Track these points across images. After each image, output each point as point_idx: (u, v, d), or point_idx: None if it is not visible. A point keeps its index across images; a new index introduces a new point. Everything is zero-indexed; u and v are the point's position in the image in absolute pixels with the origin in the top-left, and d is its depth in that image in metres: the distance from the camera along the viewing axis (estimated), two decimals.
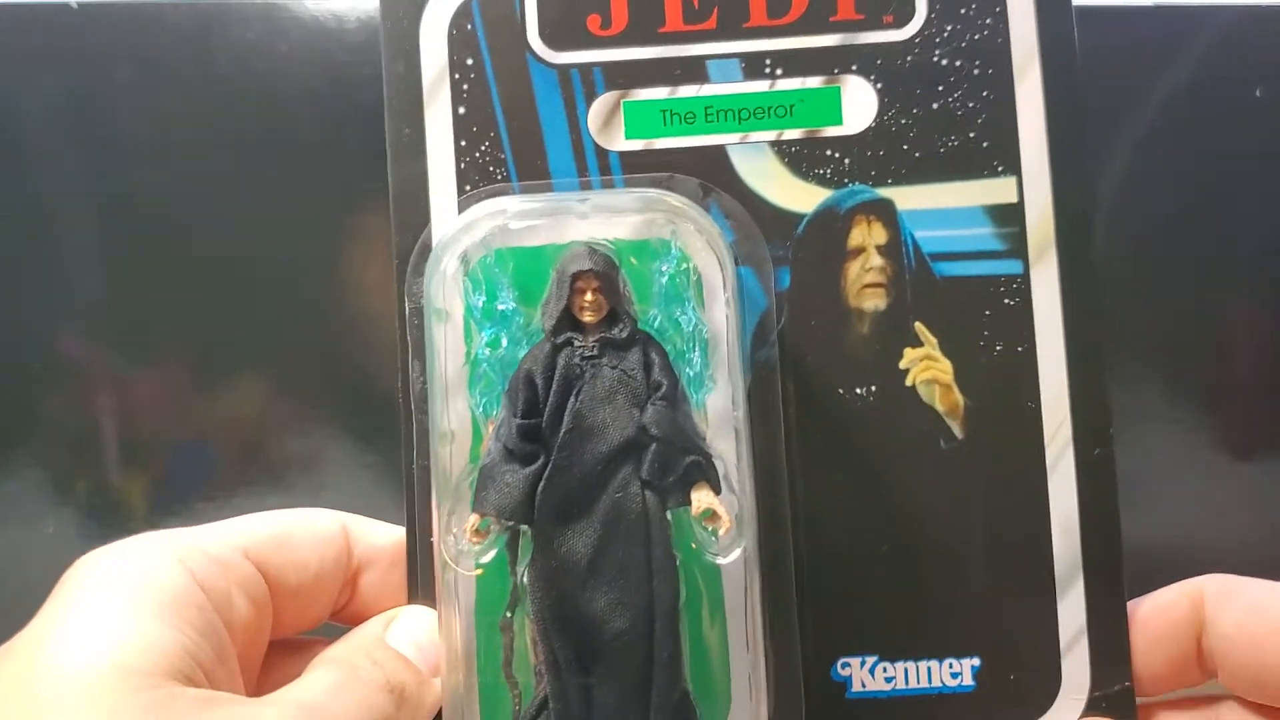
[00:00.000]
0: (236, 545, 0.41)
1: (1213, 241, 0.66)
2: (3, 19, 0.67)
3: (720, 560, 0.40)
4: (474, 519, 0.39)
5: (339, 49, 0.65)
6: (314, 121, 0.66)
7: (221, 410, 0.67)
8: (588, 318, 0.40)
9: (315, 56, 0.66)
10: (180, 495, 0.68)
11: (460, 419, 0.43)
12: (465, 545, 0.40)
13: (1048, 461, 0.45)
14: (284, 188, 0.67)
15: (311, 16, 0.66)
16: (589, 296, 0.40)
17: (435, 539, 0.41)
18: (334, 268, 0.67)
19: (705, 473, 0.39)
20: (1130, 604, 0.45)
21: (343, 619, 0.45)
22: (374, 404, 0.67)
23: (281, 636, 0.43)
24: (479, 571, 0.41)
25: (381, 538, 0.45)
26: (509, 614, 0.41)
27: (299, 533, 0.43)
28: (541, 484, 0.39)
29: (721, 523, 0.39)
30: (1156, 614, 0.44)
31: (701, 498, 0.39)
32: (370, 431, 0.67)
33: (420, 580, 0.44)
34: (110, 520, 0.68)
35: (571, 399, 0.39)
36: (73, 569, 0.39)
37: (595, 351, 0.40)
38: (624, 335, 0.40)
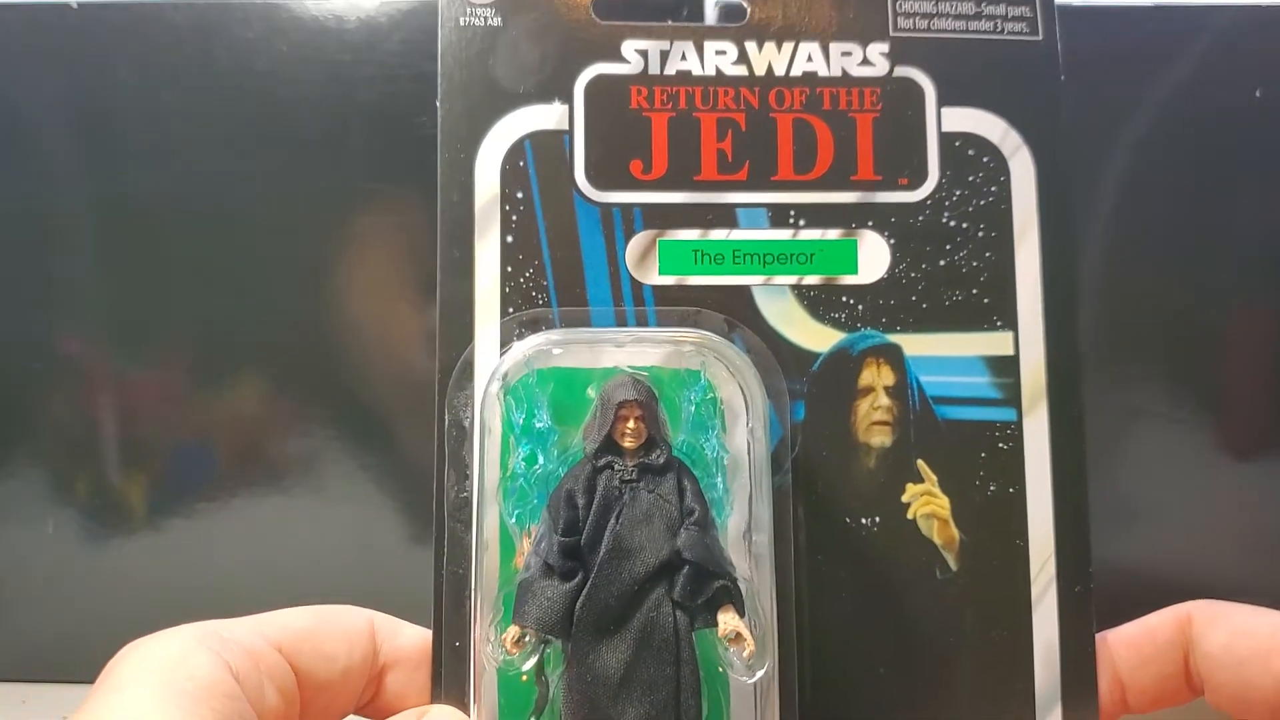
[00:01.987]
0: (269, 638, 0.43)
1: (1213, 241, 0.66)
2: (3, 19, 0.67)
3: (745, 680, 0.43)
4: (514, 630, 0.42)
5: (339, 49, 0.66)
6: (314, 121, 0.67)
7: (221, 411, 0.67)
8: (628, 443, 0.43)
9: (315, 56, 0.66)
10: (180, 495, 0.68)
11: (492, 530, 0.46)
12: (502, 654, 0.42)
13: (1033, 595, 0.48)
14: (284, 188, 0.67)
15: (311, 16, 0.66)
16: (631, 424, 0.43)
17: (475, 642, 0.44)
18: (334, 267, 0.67)
19: (732, 596, 0.42)
20: (1121, 628, 0.48)
21: (366, 714, 0.46)
22: (374, 405, 0.67)
23: None
24: (524, 679, 0.43)
25: (408, 639, 0.47)
26: (533, 719, 0.44)
27: (328, 629, 0.45)
28: (580, 600, 0.41)
29: (746, 645, 0.42)
30: (1146, 636, 0.48)
31: (728, 620, 0.42)
32: (370, 432, 0.67)
33: (445, 681, 0.46)
34: (110, 520, 0.68)
35: (611, 520, 0.42)
36: (114, 661, 0.41)
37: (634, 476, 0.43)
38: (661, 461, 0.43)
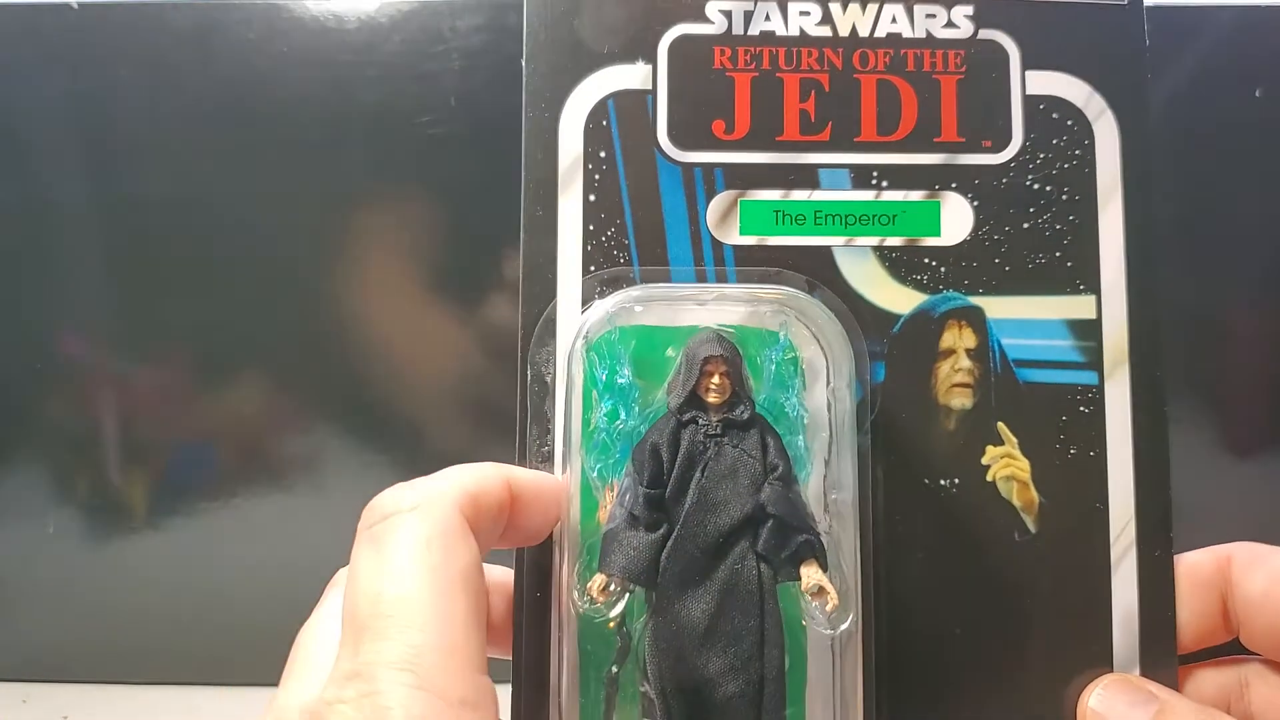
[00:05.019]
0: None
1: (1213, 241, 0.66)
2: (3, 19, 0.68)
3: (829, 633, 0.43)
4: (601, 579, 0.42)
5: (339, 49, 0.66)
6: (314, 122, 0.67)
7: (222, 410, 0.68)
8: (712, 399, 0.44)
9: (315, 57, 0.66)
10: (180, 495, 0.68)
11: (575, 483, 0.46)
12: (588, 602, 0.43)
13: (1112, 559, 0.48)
14: (284, 188, 0.67)
15: (312, 17, 0.66)
16: (715, 380, 0.44)
17: (563, 591, 0.44)
18: (335, 267, 0.68)
19: (815, 550, 0.42)
20: None
21: None
22: (375, 403, 0.68)
23: None
24: (611, 625, 0.43)
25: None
26: (614, 668, 0.44)
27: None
28: (665, 551, 0.42)
29: (829, 598, 0.42)
30: (1185, 574, 0.48)
31: (811, 574, 0.42)
32: (370, 430, 0.68)
33: (526, 631, 0.46)
34: (111, 520, 0.69)
35: (697, 474, 0.43)
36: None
37: (718, 431, 0.43)
38: (745, 417, 0.44)
